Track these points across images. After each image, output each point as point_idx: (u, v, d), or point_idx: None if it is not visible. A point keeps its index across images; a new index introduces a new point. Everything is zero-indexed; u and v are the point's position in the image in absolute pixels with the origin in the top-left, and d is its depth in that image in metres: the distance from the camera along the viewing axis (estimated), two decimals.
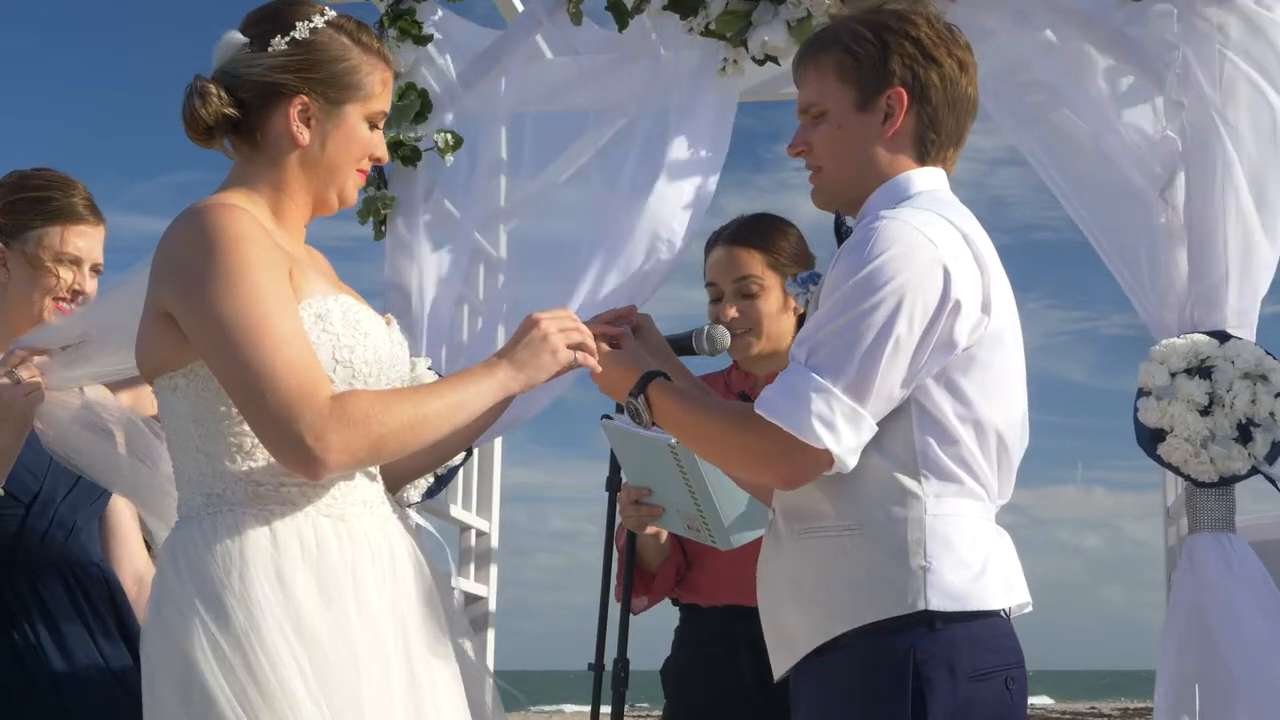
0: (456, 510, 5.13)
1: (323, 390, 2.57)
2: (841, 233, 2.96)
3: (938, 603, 2.70)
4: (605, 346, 3.00)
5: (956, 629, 2.72)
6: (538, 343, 2.83)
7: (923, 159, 2.92)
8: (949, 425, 2.76)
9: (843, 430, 2.67)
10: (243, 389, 2.57)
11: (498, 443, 5.42)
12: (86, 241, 3.61)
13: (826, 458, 2.69)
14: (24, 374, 3.25)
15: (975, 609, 2.74)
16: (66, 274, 3.57)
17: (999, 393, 2.82)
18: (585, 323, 2.96)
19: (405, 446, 2.65)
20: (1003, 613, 2.81)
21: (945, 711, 2.68)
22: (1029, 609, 2.93)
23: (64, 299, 3.55)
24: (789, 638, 2.87)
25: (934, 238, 2.73)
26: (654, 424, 2.95)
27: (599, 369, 2.96)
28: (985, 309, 2.77)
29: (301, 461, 2.56)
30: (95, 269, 3.63)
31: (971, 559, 2.76)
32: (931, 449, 2.76)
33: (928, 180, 2.91)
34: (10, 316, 3.55)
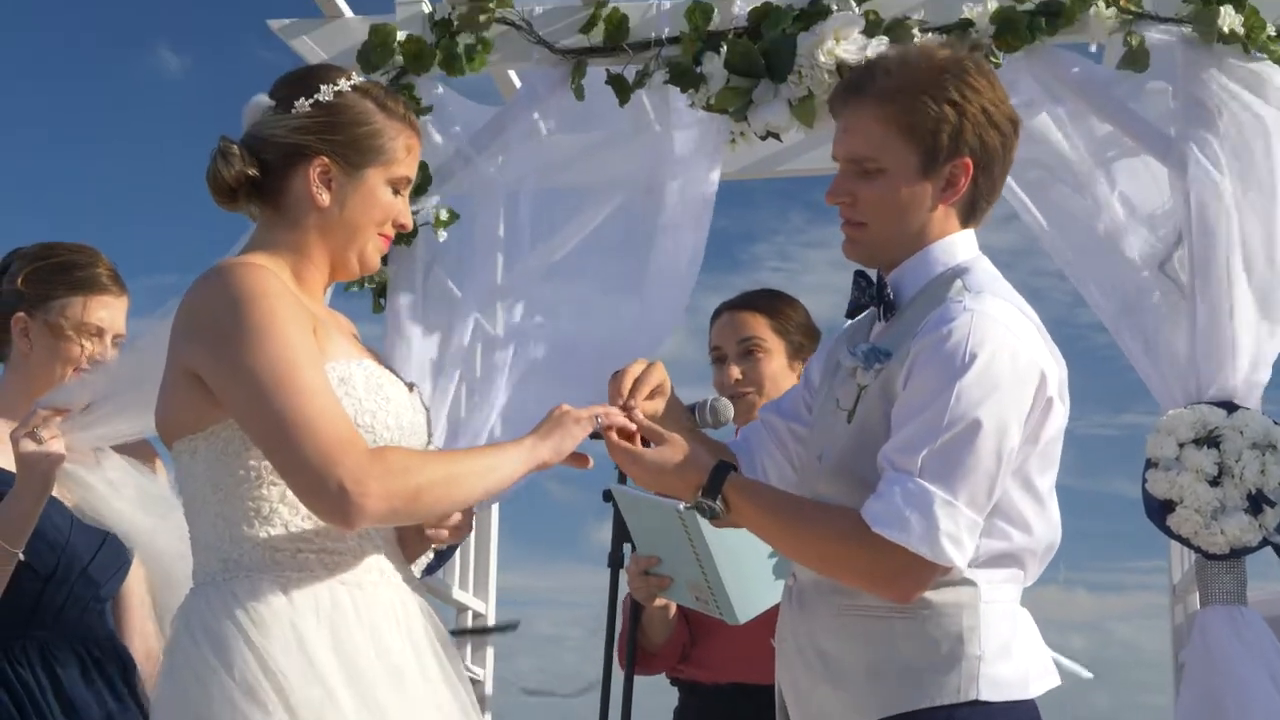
0: (454, 590, 5.07)
1: (360, 439, 2.56)
2: (884, 295, 2.86)
3: (988, 694, 2.65)
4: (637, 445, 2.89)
5: (995, 705, 2.67)
6: (559, 416, 2.83)
7: (967, 223, 2.86)
8: (1021, 521, 2.72)
9: (967, 545, 2.61)
10: (278, 438, 2.53)
11: (494, 521, 5.38)
12: (109, 312, 3.59)
13: (946, 570, 2.63)
14: (45, 434, 3.22)
15: (1019, 698, 2.71)
16: (89, 345, 3.54)
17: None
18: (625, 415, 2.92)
19: (440, 501, 2.64)
20: None
21: None
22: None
23: (86, 370, 3.50)
24: (818, 714, 2.81)
25: (1024, 335, 2.68)
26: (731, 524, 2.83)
27: (631, 425, 2.88)
28: (1063, 400, 2.75)
29: (339, 508, 2.52)
30: (117, 340, 3.60)
31: (1016, 647, 2.72)
32: (996, 542, 2.70)
33: (969, 246, 2.85)
34: (32, 386, 3.50)
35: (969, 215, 2.85)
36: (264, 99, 2.82)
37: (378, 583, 2.72)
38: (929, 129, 2.75)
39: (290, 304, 2.64)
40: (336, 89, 2.79)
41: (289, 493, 2.62)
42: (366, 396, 2.69)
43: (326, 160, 2.77)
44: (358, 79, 2.84)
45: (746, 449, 3.13)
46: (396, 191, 2.85)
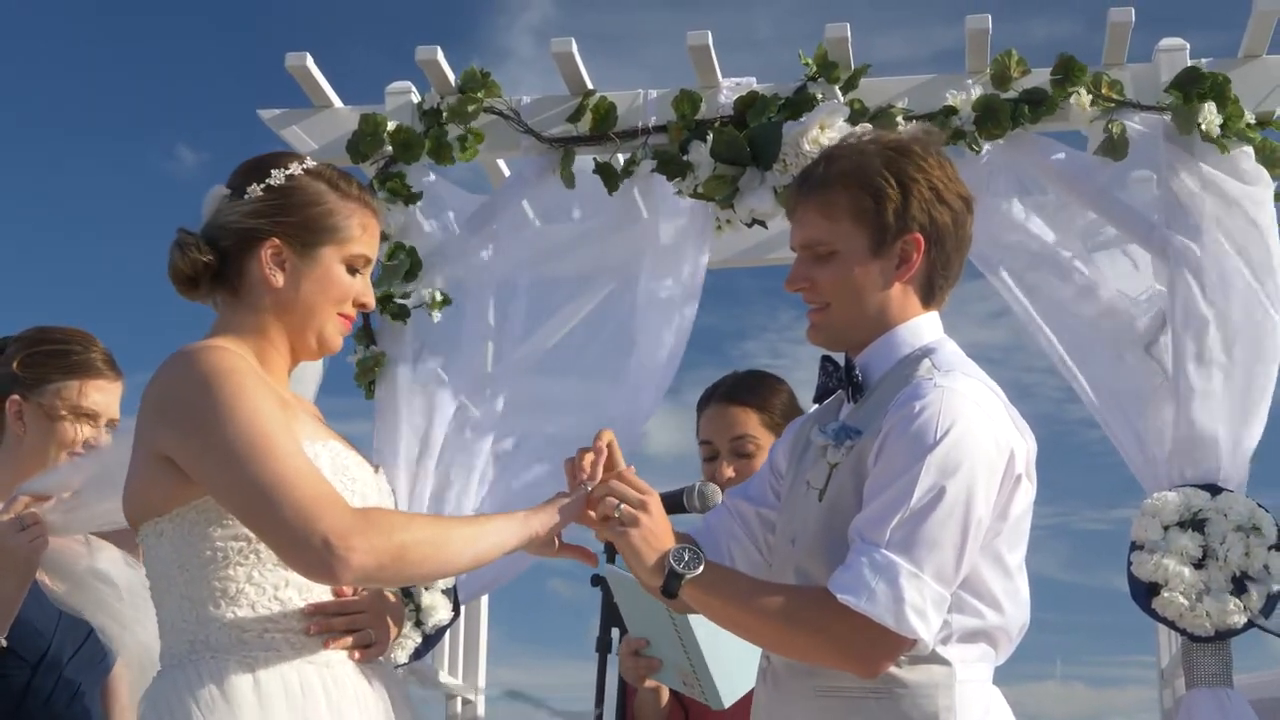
0: (442, 676, 5.05)
1: (341, 497, 2.56)
2: (852, 377, 2.88)
3: None
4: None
5: None
6: (556, 497, 2.82)
7: (928, 302, 2.87)
8: (991, 598, 2.72)
9: (933, 618, 2.60)
10: (256, 501, 2.52)
11: (484, 606, 5.35)
12: (104, 396, 3.59)
13: (912, 643, 2.62)
14: (29, 519, 3.22)
15: None
16: (83, 428, 3.55)
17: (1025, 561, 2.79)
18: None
19: (427, 560, 2.61)
20: None
21: None
22: None
23: (78, 454, 3.51)
24: None
25: (992, 412, 2.69)
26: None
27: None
28: (1030, 478, 2.76)
29: (324, 563, 2.49)
30: (111, 424, 3.60)
31: None
32: (968, 619, 2.70)
33: (934, 328, 2.87)
34: (24, 469, 3.50)
35: (927, 294, 2.86)
36: (221, 189, 2.86)
37: (345, 661, 2.71)
38: (875, 209, 2.79)
39: (258, 379, 2.67)
40: (288, 173, 2.83)
41: (255, 573, 2.63)
42: (333, 477, 2.67)
43: (279, 242, 2.80)
44: (311, 163, 2.88)
45: (711, 536, 3.11)
46: (354, 271, 2.87)
